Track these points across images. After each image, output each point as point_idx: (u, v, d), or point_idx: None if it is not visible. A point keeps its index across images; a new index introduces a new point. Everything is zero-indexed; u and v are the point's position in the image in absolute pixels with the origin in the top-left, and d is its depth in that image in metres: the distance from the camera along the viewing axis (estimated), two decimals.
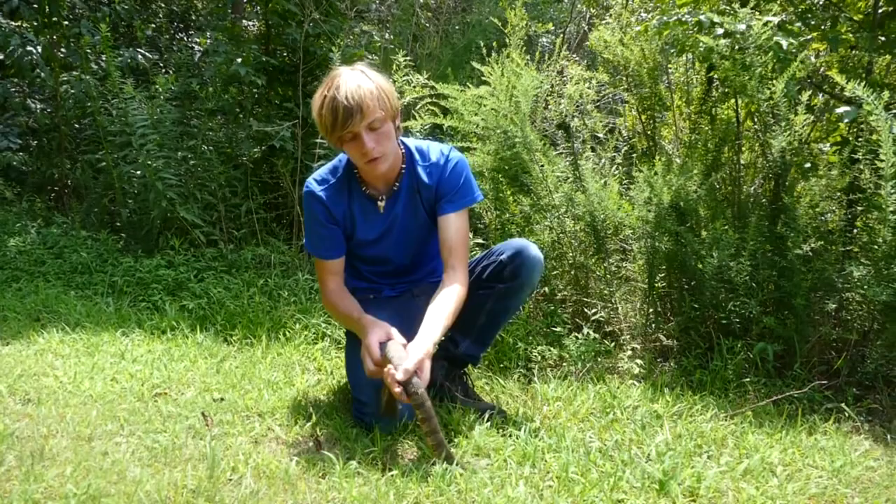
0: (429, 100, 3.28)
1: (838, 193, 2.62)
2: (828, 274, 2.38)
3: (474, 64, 3.09)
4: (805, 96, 2.49)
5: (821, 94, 2.81)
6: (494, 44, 3.09)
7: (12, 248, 3.78)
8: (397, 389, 1.61)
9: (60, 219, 4.33)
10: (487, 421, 1.91)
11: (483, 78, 2.94)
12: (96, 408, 1.95)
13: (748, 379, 2.32)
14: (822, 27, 2.70)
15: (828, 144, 2.80)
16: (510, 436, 1.84)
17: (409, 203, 2.00)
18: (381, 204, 1.98)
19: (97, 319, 2.94)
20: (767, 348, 2.36)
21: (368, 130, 1.78)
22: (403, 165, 1.97)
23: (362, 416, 1.88)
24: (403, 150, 1.98)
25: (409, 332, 1.82)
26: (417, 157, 1.99)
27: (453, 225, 1.96)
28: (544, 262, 2.06)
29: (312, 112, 1.84)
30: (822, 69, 2.89)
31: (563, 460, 1.67)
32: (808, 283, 2.36)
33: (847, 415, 2.11)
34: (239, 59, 3.85)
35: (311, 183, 1.98)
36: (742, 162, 2.84)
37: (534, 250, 1.99)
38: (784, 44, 2.46)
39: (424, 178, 1.97)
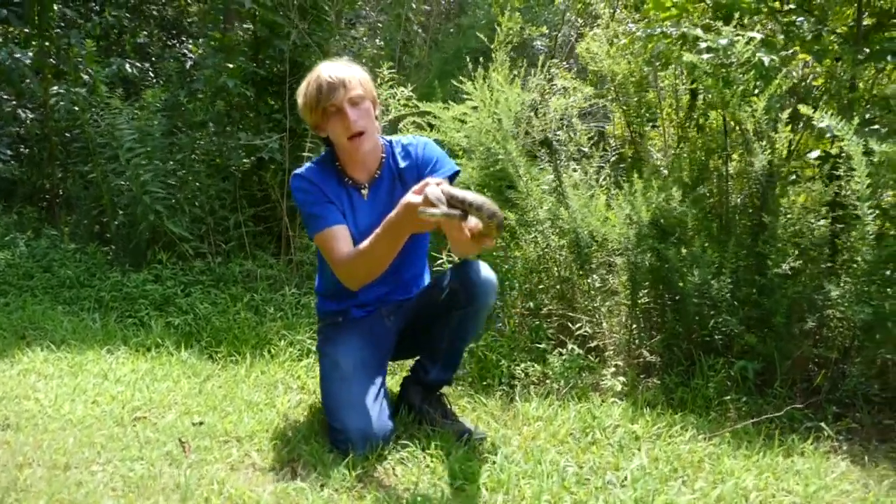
0: (415, 114, 3.28)
1: (822, 209, 2.62)
2: (808, 292, 2.38)
3: (461, 79, 3.09)
4: (785, 114, 2.48)
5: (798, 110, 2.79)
6: (492, 47, 3.09)
7: (1, 262, 3.78)
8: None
9: (50, 231, 4.33)
10: (465, 445, 1.92)
11: (465, 96, 2.94)
12: (74, 434, 1.96)
13: (729, 397, 2.32)
14: (806, 39, 2.69)
15: (816, 151, 2.77)
16: (486, 461, 1.84)
17: (391, 190, 2.03)
18: (365, 192, 2.04)
19: (83, 336, 2.94)
20: (748, 366, 2.36)
21: (351, 105, 1.89)
22: (384, 155, 2.07)
23: (337, 442, 1.88)
24: (383, 143, 2.09)
25: (379, 355, 1.82)
26: (395, 146, 2.10)
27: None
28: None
29: (298, 101, 1.94)
30: (808, 80, 2.89)
31: (536, 487, 1.67)
32: (788, 301, 2.36)
33: (826, 434, 2.12)
34: (226, 74, 3.84)
35: (297, 172, 2.02)
36: (730, 171, 2.84)
37: (484, 272, 2.00)
38: (766, 60, 2.45)
39: (402, 161, 2.06)
